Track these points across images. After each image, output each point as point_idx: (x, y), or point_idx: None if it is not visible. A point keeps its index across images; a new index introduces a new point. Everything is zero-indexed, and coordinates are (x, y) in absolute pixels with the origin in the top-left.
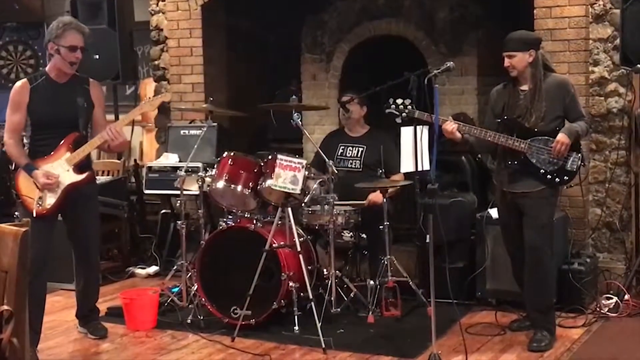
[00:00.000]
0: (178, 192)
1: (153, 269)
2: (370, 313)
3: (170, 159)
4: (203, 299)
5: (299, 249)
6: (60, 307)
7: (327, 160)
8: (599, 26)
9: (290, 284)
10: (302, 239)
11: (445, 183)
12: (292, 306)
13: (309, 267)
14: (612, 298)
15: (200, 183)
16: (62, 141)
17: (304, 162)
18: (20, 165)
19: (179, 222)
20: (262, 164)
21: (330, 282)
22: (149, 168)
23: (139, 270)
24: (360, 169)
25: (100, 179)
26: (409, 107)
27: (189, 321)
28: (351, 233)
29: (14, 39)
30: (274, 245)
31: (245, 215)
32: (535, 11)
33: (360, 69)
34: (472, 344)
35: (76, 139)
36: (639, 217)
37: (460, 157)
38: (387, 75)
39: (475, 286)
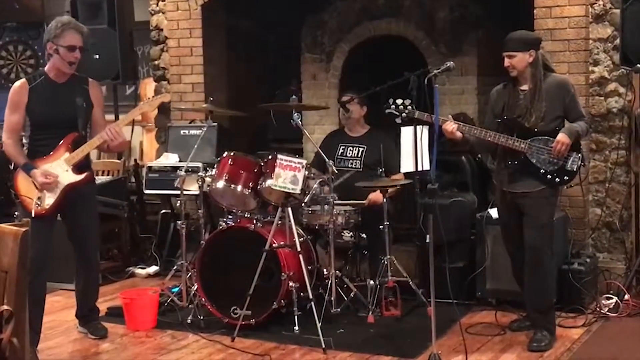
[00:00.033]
0: (178, 192)
1: (153, 269)
2: (370, 313)
3: (170, 159)
4: (203, 299)
5: (299, 248)
6: (60, 307)
7: (327, 160)
8: (599, 26)
9: (290, 283)
10: (302, 238)
11: (445, 183)
12: (292, 306)
13: (309, 267)
14: (612, 298)
15: (200, 183)
16: (61, 141)
17: (304, 162)
18: (19, 165)
19: (179, 222)
20: (262, 163)
21: (330, 282)
22: (149, 168)
23: (139, 270)
24: (361, 169)
25: (101, 178)
26: (409, 107)
27: (189, 321)
28: (351, 233)
29: (14, 39)
30: (274, 245)
31: (245, 215)
32: (535, 11)
33: (360, 68)
34: (472, 344)
35: (75, 139)
36: (639, 217)
37: (460, 157)
38: (387, 75)
39: (475, 286)
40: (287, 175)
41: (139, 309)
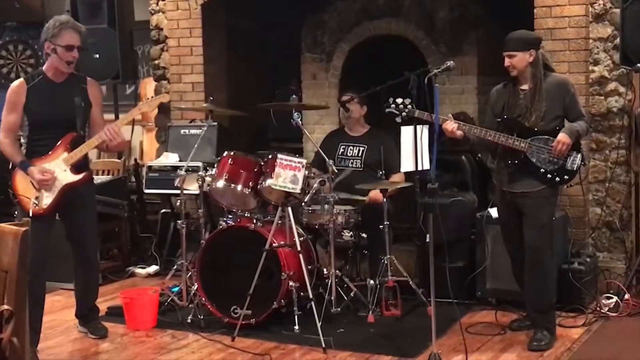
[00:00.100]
0: (178, 191)
1: (153, 268)
2: (370, 313)
3: (170, 159)
4: (203, 299)
5: (299, 248)
6: (60, 307)
7: (327, 159)
8: (599, 25)
9: (290, 283)
10: (302, 238)
11: (445, 182)
12: (292, 306)
13: (309, 267)
14: (612, 297)
15: (200, 182)
16: (60, 141)
17: (304, 161)
18: (16, 163)
19: (179, 221)
20: (262, 163)
21: (330, 281)
22: (149, 167)
23: (139, 270)
24: (361, 169)
25: (101, 178)
26: (409, 106)
27: (189, 321)
28: (351, 232)
29: (14, 39)
30: (274, 244)
31: (246, 215)
32: (535, 11)
33: (360, 68)
34: (472, 344)
35: (74, 138)
36: (639, 217)
37: (460, 156)
38: (387, 75)
39: (475, 286)
40: (287, 174)
41: (139, 309)
